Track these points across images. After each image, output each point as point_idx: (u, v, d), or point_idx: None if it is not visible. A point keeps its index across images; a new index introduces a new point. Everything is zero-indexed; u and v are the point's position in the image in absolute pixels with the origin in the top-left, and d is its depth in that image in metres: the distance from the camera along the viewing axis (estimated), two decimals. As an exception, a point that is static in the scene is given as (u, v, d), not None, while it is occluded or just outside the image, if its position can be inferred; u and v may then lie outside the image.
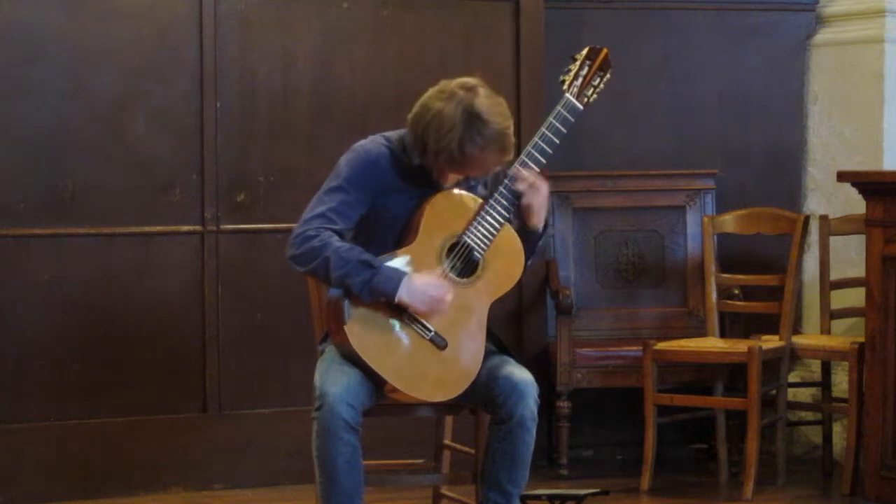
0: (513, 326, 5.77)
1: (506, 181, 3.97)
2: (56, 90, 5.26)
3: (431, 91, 3.96)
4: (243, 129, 5.49)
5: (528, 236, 4.03)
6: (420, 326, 3.88)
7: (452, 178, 4.05)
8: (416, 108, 3.96)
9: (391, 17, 5.65)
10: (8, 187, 5.21)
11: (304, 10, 5.56)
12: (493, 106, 3.90)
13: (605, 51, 4.09)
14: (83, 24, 5.27)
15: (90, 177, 5.30)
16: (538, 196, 3.97)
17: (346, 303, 3.84)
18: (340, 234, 3.90)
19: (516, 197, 3.95)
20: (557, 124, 4.00)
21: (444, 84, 3.95)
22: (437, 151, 3.89)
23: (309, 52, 5.57)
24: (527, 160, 3.97)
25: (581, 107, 4.04)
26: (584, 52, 4.10)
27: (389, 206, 3.98)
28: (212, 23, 5.40)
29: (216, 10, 5.41)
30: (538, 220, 4.01)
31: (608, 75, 4.08)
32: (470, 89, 3.90)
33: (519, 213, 4.00)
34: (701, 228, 5.90)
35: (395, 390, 3.89)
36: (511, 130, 3.93)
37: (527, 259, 4.05)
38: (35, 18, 5.22)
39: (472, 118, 3.85)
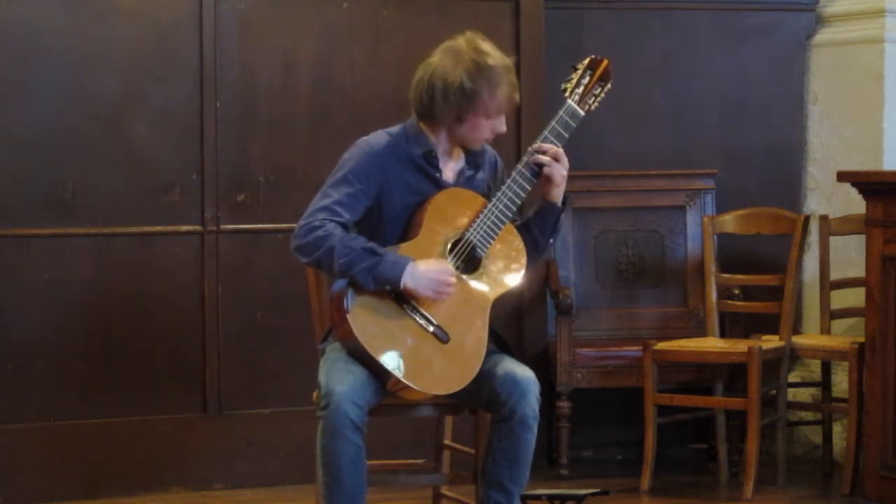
0: (513, 326, 5.76)
1: (525, 158, 3.99)
2: (56, 90, 5.25)
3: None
4: (243, 129, 5.49)
5: (549, 212, 4.05)
6: (422, 318, 3.88)
7: (456, 154, 4.06)
8: (415, 77, 4.01)
9: (391, 17, 5.65)
10: (8, 187, 5.21)
11: (304, 10, 5.56)
12: (492, 48, 4.00)
13: (606, 61, 4.11)
14: (83, 24, 5.27)
15: (90, 177, 5.30)
16: (560, 168, 4.00)
17: (350, 293, 3.85)
18: (345, 227, 3.91)
19: (539, 168, 3.97)
20: (559, 128, 4.02)
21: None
22: (446, 94, 3.91)
23: (309, 52, 5.56)
24: (528, 160, 3.99)
25: (583, 113, 4.06)
26: (586, 61, 4.11)
27: (392, 201, 3.99)
28: (212, 23, 5.40)
29: (216, 10, 5.41)
30: (558, 193, 4.03)
31: (608, 85, 4.11)
32: (467, 39, 4.00)
33: (538, 189, 4.01)
34: (701, 228, 5.89)
35: (399, 386, 3.87)
36: (513, 67, 4.02)
37: (550, 238, 4.09)
38: (35, 18, 5.21)
39: (479, 53, 3.96)
